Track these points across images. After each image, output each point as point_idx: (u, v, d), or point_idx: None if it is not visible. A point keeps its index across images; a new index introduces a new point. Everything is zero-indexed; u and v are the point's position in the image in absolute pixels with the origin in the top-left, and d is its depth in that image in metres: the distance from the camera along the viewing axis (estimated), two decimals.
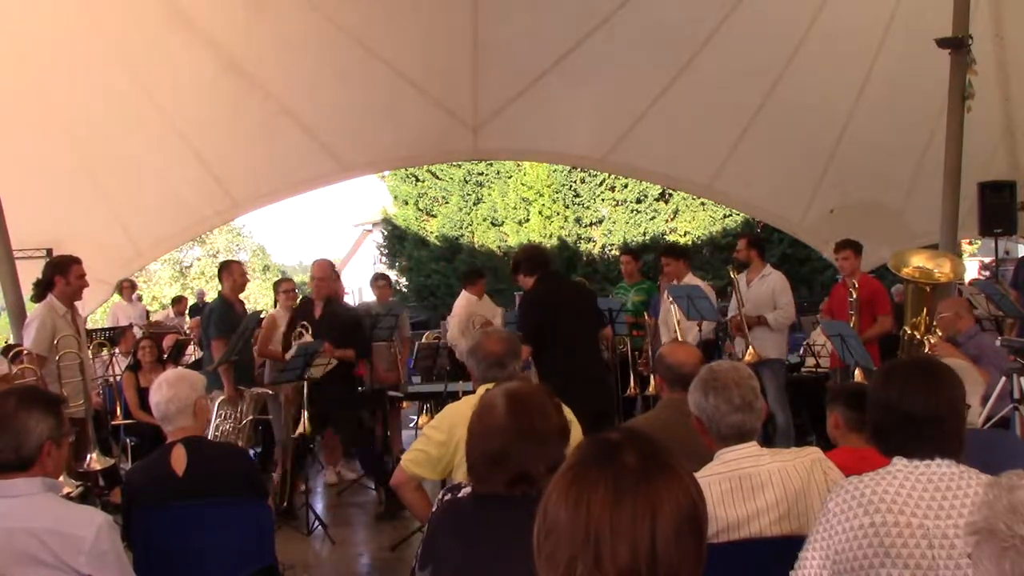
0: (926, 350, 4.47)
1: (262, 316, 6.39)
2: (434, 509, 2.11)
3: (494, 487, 1.83)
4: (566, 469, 1.10)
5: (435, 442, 2.87)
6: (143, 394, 6.35)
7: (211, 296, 18.92)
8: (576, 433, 2.64)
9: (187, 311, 12.94)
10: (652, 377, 5.30)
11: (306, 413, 5.17)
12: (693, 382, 2.40)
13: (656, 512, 1.02)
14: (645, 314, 6.97)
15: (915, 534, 1.74)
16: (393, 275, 17.11)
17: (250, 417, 5.36)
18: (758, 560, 2.13)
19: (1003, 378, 4.25)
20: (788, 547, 1.99)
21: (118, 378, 6.76)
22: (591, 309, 5.02)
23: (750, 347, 5.90)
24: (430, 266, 16.51)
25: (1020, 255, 7.66)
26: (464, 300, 7.26)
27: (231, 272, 6.06)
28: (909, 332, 4.61)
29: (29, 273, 5.68)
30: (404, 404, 7.35)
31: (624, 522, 1.02)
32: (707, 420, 2.32)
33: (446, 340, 7.31)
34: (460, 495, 2.03)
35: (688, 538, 1.04)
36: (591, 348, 4.87)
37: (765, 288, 6.21)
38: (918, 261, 4.77)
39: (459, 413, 2.84)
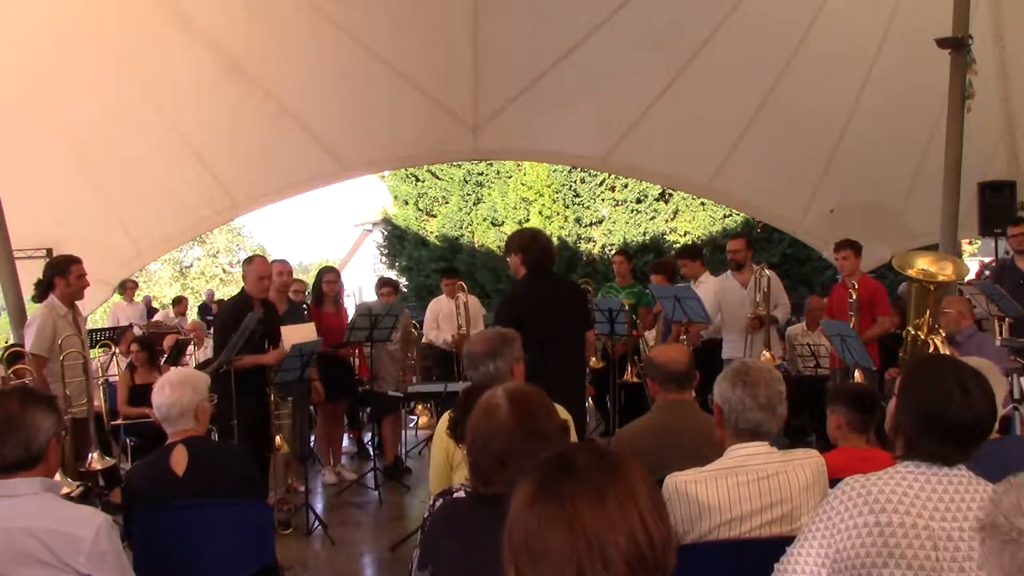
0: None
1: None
2: (426, 514, 2.12)
3: (500, 487, 1.83)
4: (532, 497, 1.12)
5: (438, 461, 2.94)
6: (135, 391, 6.42)
7: (219, 295, 19.05)
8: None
9: (187, 311, 12.96)
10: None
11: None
12: (723, 372, 2.40)
13: (635, 494, 1.10)
14: (635, 316, 7.00)
15: (920, 535, 1.73)
16: (392, 275, 17.13)
17: None
18: (759, 558, 2.13)
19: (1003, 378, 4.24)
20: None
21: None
22: (579, 312, 4.75)
23: (765, 351, 5.91)
24: (430, 266, 16.49)
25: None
26: (432, 303, 7.46)
27: (254, 267, 5.52)
28: (912, 332, 4.60)
29: (29, 273, 5.68)
30: (419, 408, 7.26)
31: (615, 516, 1.07)
32: (728, 411, 2.32)
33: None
34: (448, 499, 2.04)
35: (662, 506, 1.13)
36: (569, 353, 4.54)
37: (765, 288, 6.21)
38: (922, 263, 4.76)
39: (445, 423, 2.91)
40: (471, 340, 3.09)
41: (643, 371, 6.58)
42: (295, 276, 6.77)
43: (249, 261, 5.62)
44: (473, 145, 8.29)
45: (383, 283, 7.39)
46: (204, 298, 17.25)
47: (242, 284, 5.57)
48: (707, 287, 6.50)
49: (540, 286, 4.55)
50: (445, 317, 7.33)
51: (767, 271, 6.26)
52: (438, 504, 2.09)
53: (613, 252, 10.23)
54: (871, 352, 5.32)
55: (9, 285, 5.82)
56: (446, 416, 3.04)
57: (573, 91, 7.86)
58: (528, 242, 4.64)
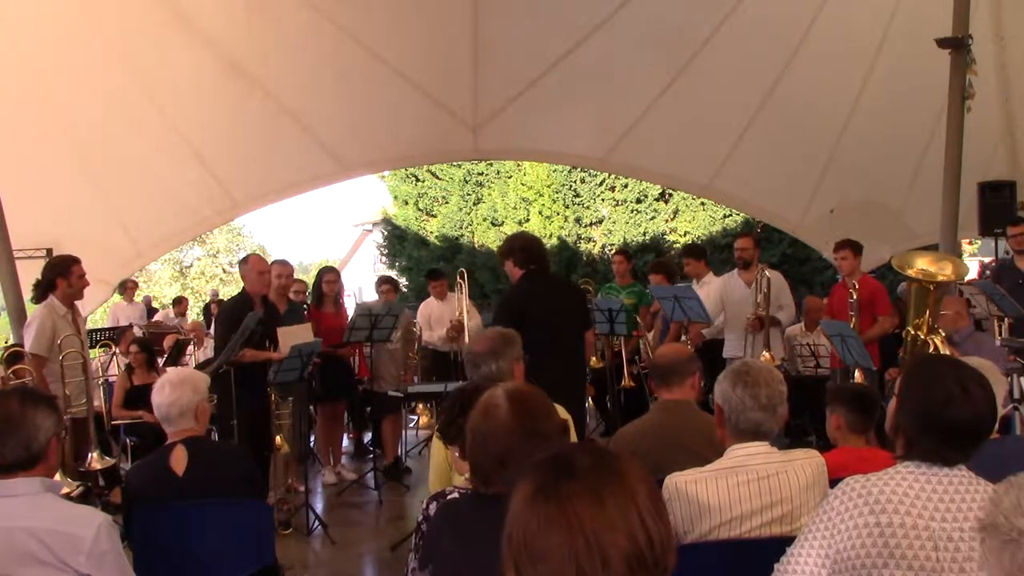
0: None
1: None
2: (420, 517, 2.13)
3: (500, 487, 1.83)
4: (531, 498, 1.11)
5: (438, 462, 2.94)
6: (133, 392, 6.44)
7: (224, 295, 19.05)
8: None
9: (187, 311, 12.97)
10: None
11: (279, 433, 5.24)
12: (724, 371, 2.40)
13: (634, 493, 1.10)
14: (636, 316, 6.99)
15: (920, 536, 1.73)
16: (393, 275, 17.13)
17: None
18: (759, 558, 2.13)
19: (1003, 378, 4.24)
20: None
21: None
22: (579, 312, 4.74)
23: (765, 352, 5.91)
24: (430, 266, 16.50)
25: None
26: (422, 306, 7.49)
27: (251, 265, 5.58)
28: (912, 332, 4.60)
29: (29, 273, 5.68)
30: (419, 408, 7.25)
31: (615, 516, 1.07)
32: (728, 411, 2.32)
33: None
34: (449, 499, 2.03)
35: (661, 506, 1.13)
36: (569, 353, 4.52)
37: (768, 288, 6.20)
38: (922, 263, 4.76)
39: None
40: (473, 339, 3.10)
41: (642, 372, 6.59)
42: (295, 276, 6.78)
43: (245, 261, 5.64)
44: (473, 145, 8.29)
45: (383, 281, 7.44)
46: (209, 298, 17.24)
47: (242, 284, 5.58)
48: (710, 287, 6.50)
49: (539, 286, 4.55)
50: (437, 320, 7.32)
51: (768, 272, 6.25)
52: (432, 506, 2.09)
53: (613, 252, 10.25)
54: (871, 352, 5.31)
55: (9, 285, 5.82)
56: None
57: (573, 91, 7.86)
58: (516, 244, 4.69)
